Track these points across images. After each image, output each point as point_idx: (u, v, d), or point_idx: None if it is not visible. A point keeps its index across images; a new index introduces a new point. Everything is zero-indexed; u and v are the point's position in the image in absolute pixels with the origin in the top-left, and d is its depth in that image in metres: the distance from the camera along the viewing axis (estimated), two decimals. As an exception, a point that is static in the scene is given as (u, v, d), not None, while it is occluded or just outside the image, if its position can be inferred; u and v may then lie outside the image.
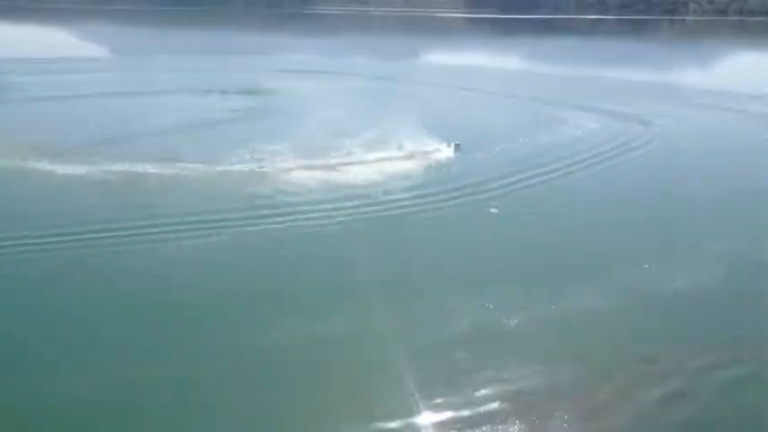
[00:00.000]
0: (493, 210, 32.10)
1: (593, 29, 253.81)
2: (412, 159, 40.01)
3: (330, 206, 31.64)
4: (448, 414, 17.34)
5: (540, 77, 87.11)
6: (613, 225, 31.18)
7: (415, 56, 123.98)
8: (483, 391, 18.20)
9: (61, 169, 35.52)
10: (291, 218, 29.80)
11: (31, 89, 62.10)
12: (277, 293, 23.44)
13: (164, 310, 22.37)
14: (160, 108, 54.89)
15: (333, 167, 37.62)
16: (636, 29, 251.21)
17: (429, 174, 37.99)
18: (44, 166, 36.19)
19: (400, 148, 41.21)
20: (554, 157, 41.71)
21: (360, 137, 42.93)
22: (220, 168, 36.53)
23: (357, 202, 32.30)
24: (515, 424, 16.90)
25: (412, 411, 17.42)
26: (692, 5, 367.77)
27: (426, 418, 17.31)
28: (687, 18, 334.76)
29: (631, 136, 49.37)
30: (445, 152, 41.76)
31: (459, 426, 16.93)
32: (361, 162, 38.71)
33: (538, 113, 56.90)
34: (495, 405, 17.70)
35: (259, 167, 36.89)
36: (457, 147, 42.21)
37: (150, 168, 35.86)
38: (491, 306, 22.23)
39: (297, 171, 36.69)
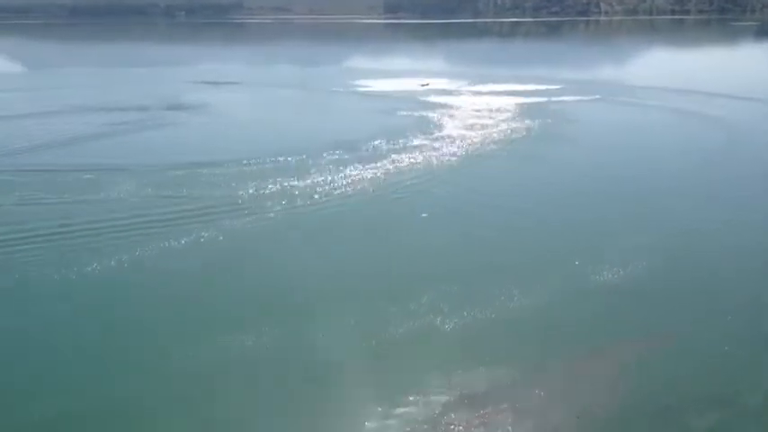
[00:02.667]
0: (423, 215, 31.21)
1: (512, 31, 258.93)
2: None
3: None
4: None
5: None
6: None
7: (333, 63, 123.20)
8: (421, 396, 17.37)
9: None
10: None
11: None
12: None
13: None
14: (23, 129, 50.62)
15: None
16: (552, 30, 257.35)
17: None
18: None
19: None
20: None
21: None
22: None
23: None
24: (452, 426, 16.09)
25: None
26: (603, 6, 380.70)
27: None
28: (600, 19, 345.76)
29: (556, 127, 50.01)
30: None
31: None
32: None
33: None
34: (432, 410, 16.78)
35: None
36: None
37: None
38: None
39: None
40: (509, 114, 56.64)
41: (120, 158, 41.44)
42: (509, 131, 49.31)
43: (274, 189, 34.23)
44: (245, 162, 39.12)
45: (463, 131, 49.06)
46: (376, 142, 44.74)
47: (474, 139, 46.24)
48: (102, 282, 24.22)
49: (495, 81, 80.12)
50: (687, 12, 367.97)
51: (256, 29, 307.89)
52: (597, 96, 68.85)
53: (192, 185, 34.92)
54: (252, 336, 20.14)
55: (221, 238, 27.95)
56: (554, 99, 66.62)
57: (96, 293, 23.64)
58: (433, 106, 61.19)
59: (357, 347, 19.75)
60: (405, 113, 57.41)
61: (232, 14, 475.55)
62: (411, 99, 66.14)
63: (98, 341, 20.67)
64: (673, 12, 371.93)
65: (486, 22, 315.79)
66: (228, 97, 68.94)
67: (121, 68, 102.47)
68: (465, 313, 21.50)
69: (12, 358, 19.72)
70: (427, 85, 73.99)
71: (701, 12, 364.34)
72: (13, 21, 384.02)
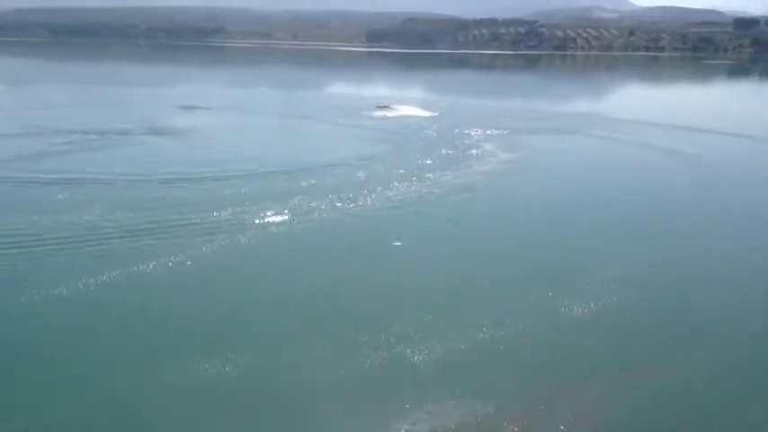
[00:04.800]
0: (396, 243, 30.63)
1: (491, 63, 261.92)
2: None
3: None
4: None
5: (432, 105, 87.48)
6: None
7: (310, 87, 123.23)
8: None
9: None
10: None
11: None
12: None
13: None
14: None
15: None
16: (529, 63, 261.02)
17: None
18: None
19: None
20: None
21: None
22: None
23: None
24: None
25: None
26: (579, 41, 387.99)
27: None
28: (577, 54, 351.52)
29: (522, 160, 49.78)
30: None
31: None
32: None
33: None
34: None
35: None
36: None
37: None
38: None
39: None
40: (485, 143, 56.66)
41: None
42: (480, 163, 49.22)
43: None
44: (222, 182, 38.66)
45: (435, 160, 48.85)
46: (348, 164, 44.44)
47: (445, 169, 45.99)
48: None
49: (471, 108, 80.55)
50: (662, 49, 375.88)
51: (236, 52, 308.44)
52: (573, 128, 69.24)
53: (156, 207, 34.21)
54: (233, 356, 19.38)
55: (189, 262, 27.15)
56: (529, 128, 66.90)
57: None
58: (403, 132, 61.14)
59: (316, 378, 19.02)
60: (374, 137, 57.46)
61: (213, 38, 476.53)
62: (380, 126, 66.10)
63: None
64: (647, 48, 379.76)
65: (466, 54, 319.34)
66: (205, 120, 68.09)
67: (101, 87, 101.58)
68: (435, 344, 20.91)
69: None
70: (386, 107, 70.63)
71: (675, 49, 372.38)
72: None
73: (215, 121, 66.12)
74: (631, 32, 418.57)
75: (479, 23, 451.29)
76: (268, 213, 33.43)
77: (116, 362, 19.75)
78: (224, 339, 21.08)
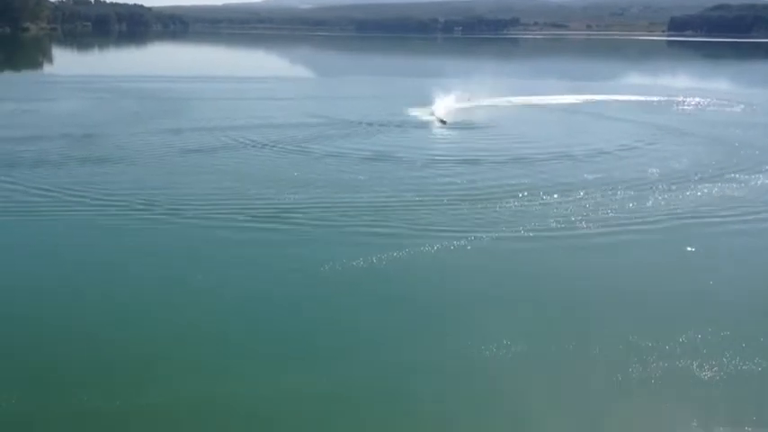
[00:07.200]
0: None
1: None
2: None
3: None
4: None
5: None
6: None
7: (599, 79, 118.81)
8: None
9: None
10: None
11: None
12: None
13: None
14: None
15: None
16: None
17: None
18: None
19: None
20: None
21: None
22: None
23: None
24: None
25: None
26: None
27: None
28: None
29: None
30: None
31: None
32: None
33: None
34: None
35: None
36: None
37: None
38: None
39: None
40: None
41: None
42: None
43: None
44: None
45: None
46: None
47: None
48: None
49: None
50: None
51: (529, 44, 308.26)
52: None
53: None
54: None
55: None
56: None
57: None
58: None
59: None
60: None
61: (508, 30, 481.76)
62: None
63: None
64: None
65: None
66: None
67: (402, 79, 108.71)
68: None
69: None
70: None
71: None
72: (306, 32, 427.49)
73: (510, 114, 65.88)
74: None
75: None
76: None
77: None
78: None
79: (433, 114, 59.26)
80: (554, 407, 16.27)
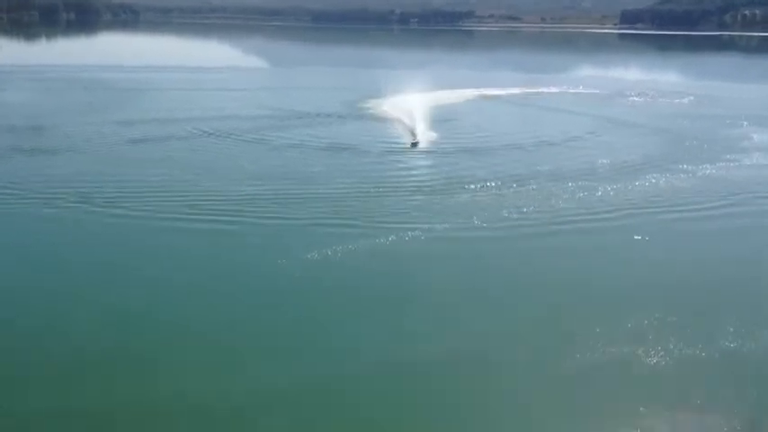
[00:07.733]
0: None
1: (761, 46, 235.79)
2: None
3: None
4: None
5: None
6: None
7: (552, 72, 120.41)
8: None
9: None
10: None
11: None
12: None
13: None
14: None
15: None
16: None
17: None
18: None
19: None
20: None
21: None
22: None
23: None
24: None
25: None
26: None
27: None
28: None
29: None
30: None
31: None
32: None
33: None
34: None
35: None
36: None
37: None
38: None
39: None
40: None
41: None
42: None
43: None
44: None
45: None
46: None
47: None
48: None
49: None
50: None
51: (484, 36, 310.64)
52: None
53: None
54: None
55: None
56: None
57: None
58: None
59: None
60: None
61: (463, 22, 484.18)
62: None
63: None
64: None
65: (732, 36, 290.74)
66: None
67: (355, 69, 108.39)
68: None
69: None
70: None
71: None
72: (261, 22, 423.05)
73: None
74: None
75: (751, 2, 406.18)
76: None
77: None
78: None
79: (389, 110, 57.58)
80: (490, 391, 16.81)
